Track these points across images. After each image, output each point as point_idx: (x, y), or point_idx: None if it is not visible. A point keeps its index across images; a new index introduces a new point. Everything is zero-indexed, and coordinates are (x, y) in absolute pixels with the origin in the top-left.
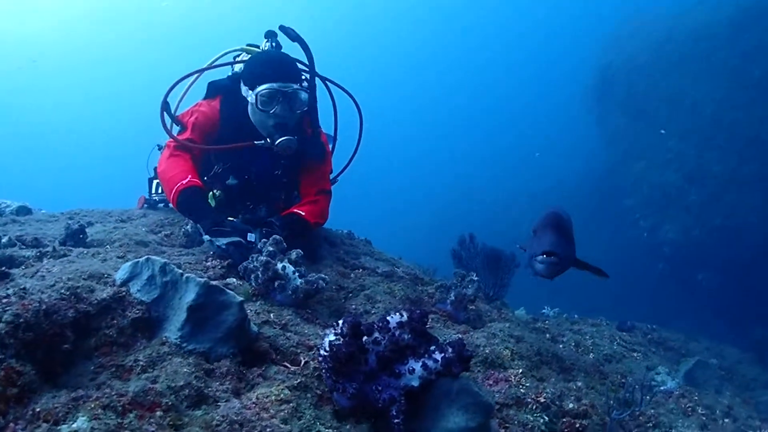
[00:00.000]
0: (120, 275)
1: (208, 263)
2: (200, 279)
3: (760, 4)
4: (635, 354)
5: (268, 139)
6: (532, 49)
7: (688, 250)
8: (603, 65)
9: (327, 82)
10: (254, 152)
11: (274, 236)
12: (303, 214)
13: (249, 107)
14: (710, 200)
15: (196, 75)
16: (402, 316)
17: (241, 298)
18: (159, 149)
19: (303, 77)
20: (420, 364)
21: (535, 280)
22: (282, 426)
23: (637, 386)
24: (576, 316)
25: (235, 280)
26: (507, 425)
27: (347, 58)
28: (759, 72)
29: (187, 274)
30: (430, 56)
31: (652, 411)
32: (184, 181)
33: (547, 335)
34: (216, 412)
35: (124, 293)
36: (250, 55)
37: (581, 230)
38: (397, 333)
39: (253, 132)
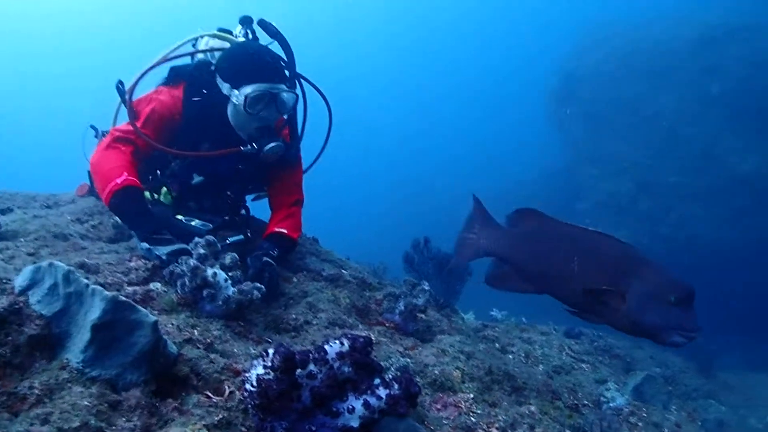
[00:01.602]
0: (20, 281)
1: (132, 263)
2: (107, 293)
3: (723, 22)
4: (584, 365)
5: (253, 144)
6: (498, 52)
7: None
8: (567, 72)
9: (302, 80)
10: (215, 142)
11: (232, 254)
12: (286, 232)
13: (230, 106)
14: (660, 210)
15: (160, 61)
16: (342, 345)
17: (155, 318)
18: (95, 133)
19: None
20: (361, 401)
21: (484, 286)
22: None
23: (592, 415)
24: (524, 320)
25: (159, 285)
26: None
27: (306, 51)
28: (717, 89)
29: (93, 286)
30: (395, 54)
31: None
32: (119, 180)
33: (497, 345)
34: None
35: (21, 304)
36: (222, 42)
37: None
38: (336, 366)
39: (224, 130)
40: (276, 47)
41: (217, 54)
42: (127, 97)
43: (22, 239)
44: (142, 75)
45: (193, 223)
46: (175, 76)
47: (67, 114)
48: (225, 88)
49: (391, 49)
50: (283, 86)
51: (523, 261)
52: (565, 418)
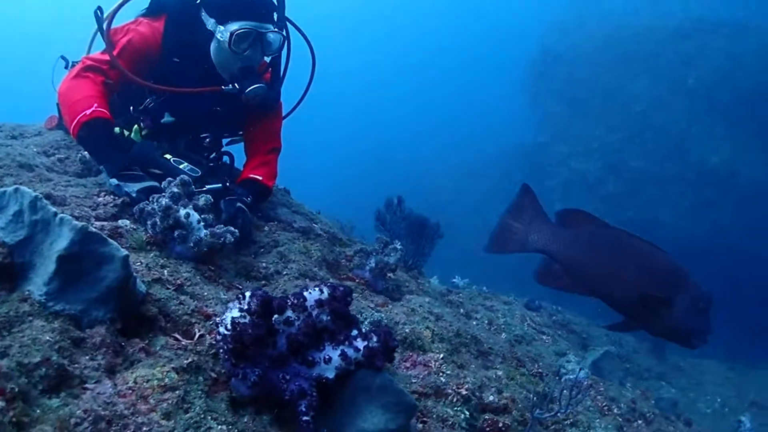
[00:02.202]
0: None
1: (100, 198)
2: (77, 223)
3: (705, 16)
4: (544, 337)
5: (235, 84)
6: (479, 22)
7: None
8: (546, 48)
9: (288, 25)
10: (194, 78)
11: (206, 196)
12: (261, 179)
13: (214, 43)
14: (627, 193)
15: None
16: (322, 292)
17: (126, 253)
18: (65, 64)
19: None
20: (338, 352)
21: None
22: (163, 422)
23: (554, 382)
24: (485, 289)
25: (128, 222)
26: (425, 419)
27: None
28: (693, 81)
29: (61, 215)
30: (380, 22)
31: (570, 408)
32: (88, 111)
33: (462, 310)
34: (78, 404)
35: None
36: None
37: (502, 203)
38: (314, 313)
39: (204, 68)
40: None
41: None
42: (104, 24)
43: None
44: (123, 2)
45: (182, 166)
46: (156, 7)
47: (37, 43)
48: (210, 23)
49: (374, 14)
50: (271, 26)
51: (577, 263)
52: (531, 384)
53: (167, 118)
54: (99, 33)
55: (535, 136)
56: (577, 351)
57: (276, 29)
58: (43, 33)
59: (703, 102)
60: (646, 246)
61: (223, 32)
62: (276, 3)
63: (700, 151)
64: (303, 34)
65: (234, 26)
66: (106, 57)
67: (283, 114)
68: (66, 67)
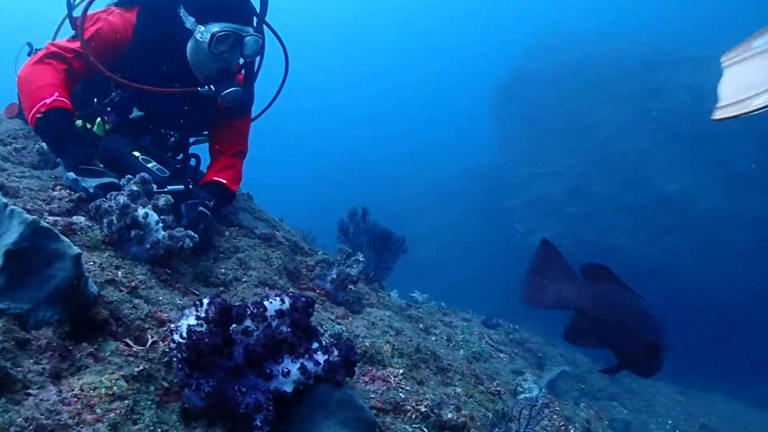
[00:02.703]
0: None
1: (55, 192)
2: (28, 216)
3: (673, 49)
4: (501, 354)
5: (211, 86)
6: (451, 43)
7: None
8: (515, 70)
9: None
10: (166, 75)
11: (166, 196)
12: (225, 182)
13: (192, 42)
14: (586, 216)
15: None
16: (283, 302)
17: (78, 251)
18: (29, 50)
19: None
20: (298, 365)
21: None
22: None
23: (512, 400)
24: (444, 305)
25: (83, 219)
26: None
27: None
28: (656, 111)
29: (12, 206)
30: (357, 40)
31: (529, 428)
32: (48, 100)
33: (421, 325)
34: (19, 411)
35: None
36: None
37: (465, 221)
38: (274, 324)
39: (177, 66)
40: None
41: None
42: (77, 11)
43: None
44: None
45: (149, 165)
46: None
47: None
48: (189, 21)
49: (351, 33)
50: (251, 29)
51: (602, 320)
52: (488, 402)
53: (135, 113)
54: (68, 19)
55: (500, 157)
56: (533, 370)
57: (255, 32)
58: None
59: (665, 132)
60: (646, 305)
61: (203, 33)
62: (255, 6)
63: (660, 180)
64: (279, 39)
65: (215, 28)
66: (72, 45)
67: (252, 117)
68: (29, 54)
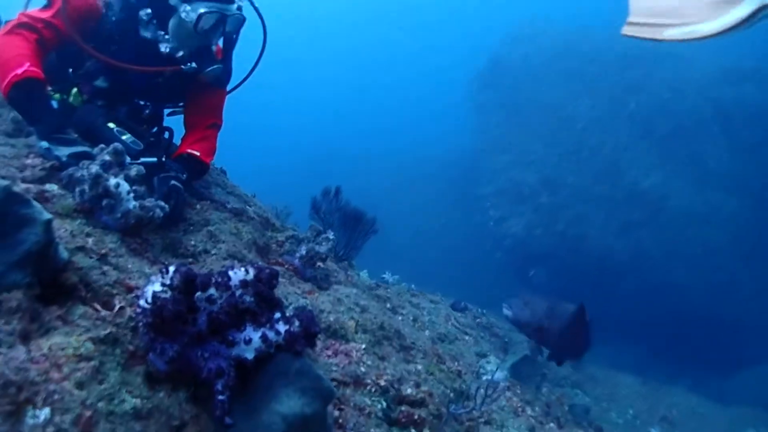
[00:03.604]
0: None
1: (29, 161)
2: (1, 181)
3: (653, 45)
4: (467, 337)
5: (192, 64)
6: (433, 28)
7: (528, 246)
8: (495, 57)
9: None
10: (140, 55)
11: (138, 167)
12: (198, 154)
13: (175, 19)
14: (559, 206)
15: None
16: (248, 273)
17: (49, 216)
18: None
19: None
20: (259, 334)
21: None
22: (76, 392)
23: (473, 380)
24: (413, 287)
25: (56, 187)
26: (342, 406)
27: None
28: (634, 105)
29: None
30: (338, 21)
31: (485, 407)
32: (19, 70)
33: (388, 305)
34: None
35: None
36: None
37: (439, 205)
38: (237, 293)
39: (153, 38)
40: None
41: None
42: None
43: None
44: None
45: (124, 137)
46: None
47: None
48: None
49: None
50: (233, 8)
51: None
52: (449, 380)
53: (101, 83)
54: None
55: (475, 143)
56: (497, 353)
57: (238, 11)
58: None
59: (640, 127)
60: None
61: (189, 12)
62: None
63: (633, 174)
64: (258, 13)
65: (201, 8)
66: (42, 15)
67: (227, 90)
68: None
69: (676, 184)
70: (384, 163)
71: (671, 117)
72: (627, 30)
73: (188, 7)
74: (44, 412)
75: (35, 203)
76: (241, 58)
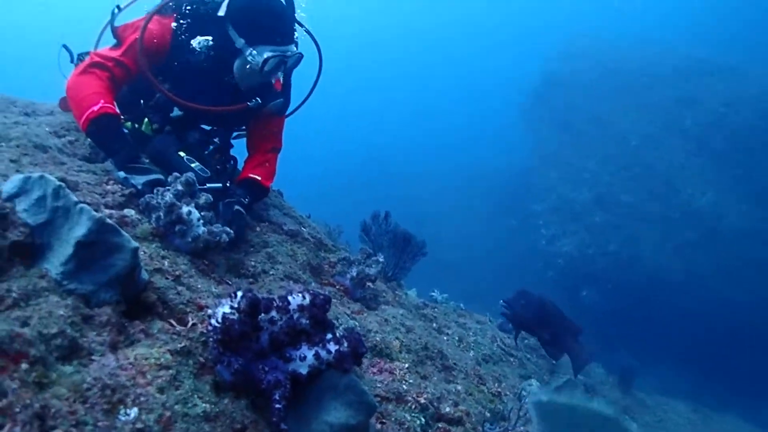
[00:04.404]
0: (8, 188)
1: (108, 186)
2: (95, 213)
3: (707, 58)
4: (512, 359)
5: (257, 99)
6: (485, 44)
7: (580, 266)
8: (547, 73)
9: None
10: (210, 84)
11: (206, 195)
12: (259, 179)
13: (241, 60)
14: (612, 225)
15: None
16: (304, 298)
17: (136, 245)
18: (70, 57)
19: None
20: (313, 352)
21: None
22: (157, 395)
23: (512, 404)
24: (462, 306)
25: (134, 212)
26: (384, 420)
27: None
28: (690, 122)
29: (81, 205)
30: (388, 38)
31: (521, 428)
32: (95, 107)
33: (434, 324)
34: (88, 372)
35: (8, 210)
36: None
37: (490, 222)
38: (295, 316)
39: (218, 73)
40: None
41: None
42: (113, 22)
43: (3, 144)
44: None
45: (193, 165)
46: (168, 6)
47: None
48: (239, 42)
49: (383, 29)
50: (293, 47)
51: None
52: (487, 401)
53: (177, 112)
54: (110, 28)
55: (528, 161)
56: (542, 376)
57: (297, 50)
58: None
59: (695, 143)
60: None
61: (255, 56)
62: (294, 15)
63: (688, 192)
64: (315, 41)
65: (267, 53)
66: (113, 54)
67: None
68: (72, 61)
69: (731, 202)
70: (436, 180)
71: (726, 132)
72: None
73: (254, 52)
74: (134, 411)
75: (123, 232)
76: (300, 75)
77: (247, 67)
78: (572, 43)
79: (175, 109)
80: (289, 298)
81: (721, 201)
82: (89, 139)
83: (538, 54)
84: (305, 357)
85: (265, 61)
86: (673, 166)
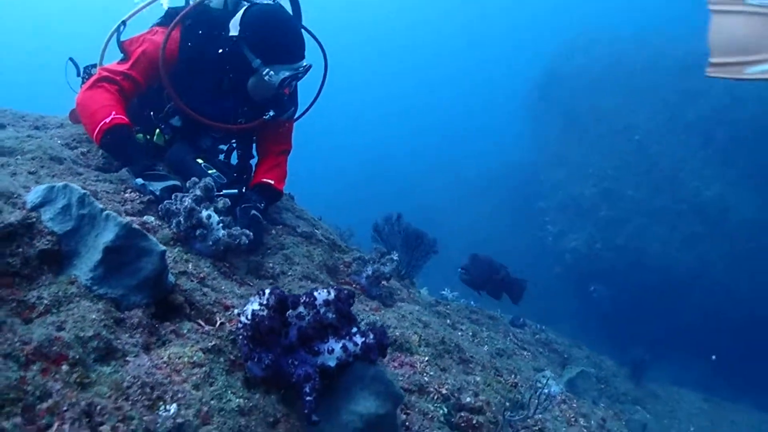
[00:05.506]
0: (32, 198)
1: (127, 195)
2: (122, 219)
3: (708, 50)
4: (525, 352)
5: (271, 112)
6: (488, 41)
7: (587, 261)
8: (551, 69)
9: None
10: (217, 93)
11: (224, 199)
12: (272, 183)
13: (256, 78)
14: (618, 220)
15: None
16: (329, 294)
17: (163, 248)
18: (77, 71)
19: None
20: (340, 345)
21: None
22: (193, 392)
23: (529, 392)
24: (473, 303)
25: (153, 218)
26: (408, 411)
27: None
28: (692, 116)
29: (107, 211)
30: (390, 35)
31: (539, 416)
32: (107, 119)
33: (448, 321)
34: (126, 371)
35: (34, 219)
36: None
37: (496, 219)
38: (322, 311)
39: (229, 88)
40: None
41: None
42: (117, 35)
43: (19, 157)
44: (135, 12)
45: (210, 171)
46: (172, 18)
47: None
48: (256, 62)
49: (385, 27)
50: (304, 62)
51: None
52: (505, 391)
53: (176, 122)
54: (117, 43)
55: (533, 157)
56: (555, 368)
57: (307, 64)
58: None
59: (700, 136)
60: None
61: (272, 76)
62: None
63: (694, 185)
64: (320, 45)
65: (285, 73)
66: (120, 68)
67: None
68: (78, 75)
69: (737, 194)
70: (441, 177)
71: (731, 125)
72: (711, 71)
73: (271, 72)
74: (173, 407)
75: (151, 236)
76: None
77: (263, 84)
78: (576, 38)
79: (177, 118)
80: (315, 293)
81: (728, 193)
82: (101, 150)
83: (543, 50)
84: (333, 350)
85: (284, 80)
86: (678, 159)
